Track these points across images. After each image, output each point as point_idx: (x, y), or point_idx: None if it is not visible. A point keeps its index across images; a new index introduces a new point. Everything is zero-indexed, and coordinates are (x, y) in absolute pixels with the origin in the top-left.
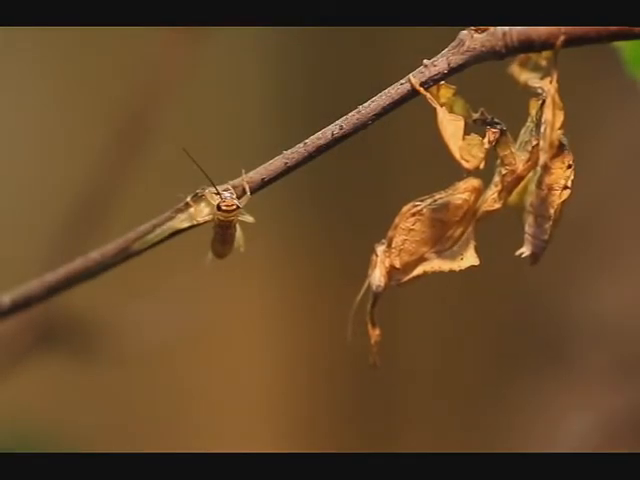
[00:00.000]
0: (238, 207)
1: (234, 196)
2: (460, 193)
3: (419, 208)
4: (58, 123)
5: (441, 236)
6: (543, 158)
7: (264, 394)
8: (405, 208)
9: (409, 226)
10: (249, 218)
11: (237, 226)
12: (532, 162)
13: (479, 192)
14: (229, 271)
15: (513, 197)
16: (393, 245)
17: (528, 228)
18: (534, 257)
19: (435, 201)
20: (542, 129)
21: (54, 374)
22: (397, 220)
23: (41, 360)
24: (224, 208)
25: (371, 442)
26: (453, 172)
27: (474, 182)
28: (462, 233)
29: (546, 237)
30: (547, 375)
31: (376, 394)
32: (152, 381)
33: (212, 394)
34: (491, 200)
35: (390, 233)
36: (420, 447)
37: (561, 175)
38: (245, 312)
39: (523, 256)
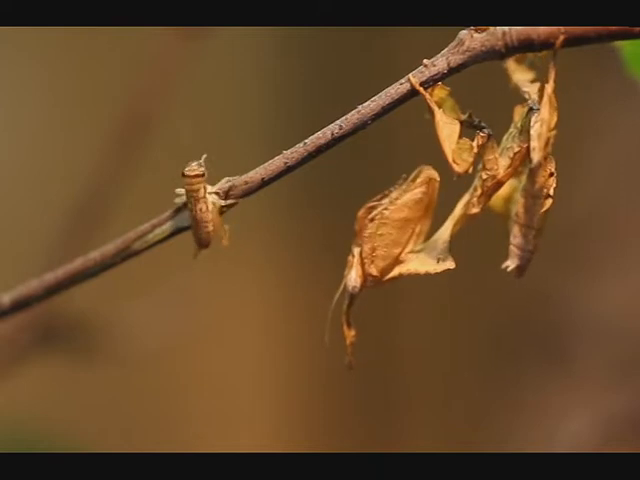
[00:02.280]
0: (203, 175)
1: (202, 166)
2: (417, 187)
3: (378, 211)
4: (58, 123)
5: (410, 234)
6: (537, 157)
7: (264, 393)
8: (360, 212)
9: (374, 232)
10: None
11: (213, 212)
12: (512, 168)
13: (435, 182)
14: (229, 271)
15: (500, 206)
16: (364, 255)
17: (513, 239)
18: (520, 270)
19: (393, 201)
20: (536, 127)
21: (54, 374)
22: (357, 227)
23: (41, 360)
24: (186, 173)
25: (371, 442)
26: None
27: (428, 172)
28: (428, 225)
29: (531, 248)
30: (547, 375)
31: (376, 394)
32: (152, 381)
33: (212, 394)
34: (470, 204)
35: (357, 241)
36: (419, 447)
37: (544, 184)
38: (245, 312)
39: (509, 269)
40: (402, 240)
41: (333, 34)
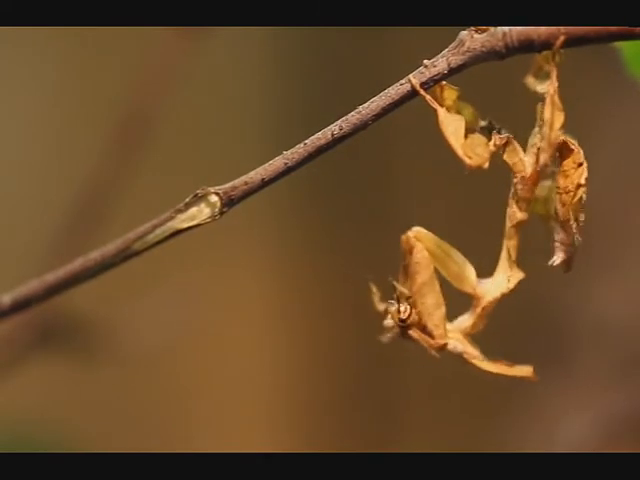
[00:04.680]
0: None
1: (407, 310)
2: (413, 256)
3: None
4: (58, 123)
5: (438, 287)
6: (543, 158)
7: (264, 394)
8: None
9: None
10: None
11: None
12: (540, 165)
13: (420, 235)
14: (229, 271)
15: (540, 209)
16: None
17: (556, 235)
18: (567, 264)
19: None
20: (542, 129)
21: (54, 374)
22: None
23: (41, 360)
24: (401, 318)
25: (371, 442)
26: (454, 171)
27: (410, 236)
28: (450, 267)
29: (573, 241)
30: (547, 375)
31: (376, 394)
32: (152, 381)
33: (212, 393)
34: (513, 214)
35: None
36: (419, 447)
37: (574, 175)
38: (245, 312)
39: (555, 264)
40: (438, 299)
41: (333, 34)
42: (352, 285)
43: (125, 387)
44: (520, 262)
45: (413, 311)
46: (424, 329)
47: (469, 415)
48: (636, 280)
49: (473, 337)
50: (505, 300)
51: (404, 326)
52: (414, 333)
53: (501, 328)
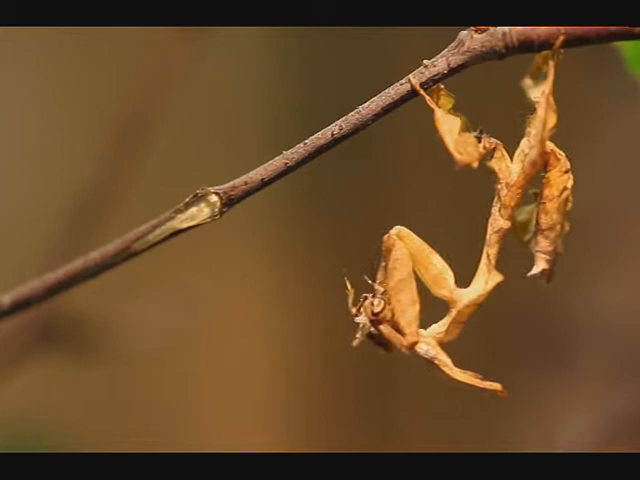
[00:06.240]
0: (383, 310)
1: (378, 301)
2: (392, 253)
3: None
4: (58, 123)
5: (415, 288)
6: (532, 154)
7: (264, 393)
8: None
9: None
10: None
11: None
12: (525, 173)
13: (401, 234)
14: (229, 271)
15: (520, 234)
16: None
17: (536, 245)
18: (547, 273)
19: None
20: (533, 125)
21: (54, 374)
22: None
23: (41, 360)
24: (375, 312)
25: (371, 442)
26: (454, 172)
27: (391, 234)
28: (429, 267)
29: (555, 249)
30: (547, 375)
31: (375, 394)
32: (152, 381)
33: (212, 393)
34: (495, 221)
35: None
36: (419, 447)
37: (559, 180)
38: (245, 312)
39: (535, 273)
40: (414, 297)
41: (333, 34)
42: (352, 285)
43: (125, 387)
44: (518, 262)
45: (387, 307)
46: (396, 327)
47: (469, 415)
48: (636, 280)
49: (473, 339)
50: (506, 301)
51: (376, 320)
52: (385, 329)
53: (502, 328)
